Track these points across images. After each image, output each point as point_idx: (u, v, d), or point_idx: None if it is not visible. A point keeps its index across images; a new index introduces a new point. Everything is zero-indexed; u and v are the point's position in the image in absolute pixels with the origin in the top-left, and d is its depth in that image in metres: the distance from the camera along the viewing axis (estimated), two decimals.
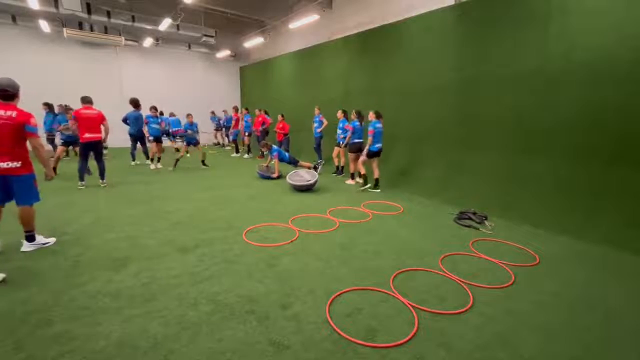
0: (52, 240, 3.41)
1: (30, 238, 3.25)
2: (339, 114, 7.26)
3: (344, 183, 6.98)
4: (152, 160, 8.31)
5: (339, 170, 7.75)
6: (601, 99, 4.24)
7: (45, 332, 2.03)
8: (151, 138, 8.03)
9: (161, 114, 10.30)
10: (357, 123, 6.55)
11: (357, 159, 6.49)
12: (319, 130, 8.49)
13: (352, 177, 6.99)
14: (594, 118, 4.32)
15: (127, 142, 12.84)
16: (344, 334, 2.07)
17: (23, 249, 3.20)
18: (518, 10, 5.08)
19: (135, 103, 8.13)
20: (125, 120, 8.14)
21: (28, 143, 3.10)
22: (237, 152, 11.58)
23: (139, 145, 8.54)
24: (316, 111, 8.50)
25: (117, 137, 12.32)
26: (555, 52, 4.68)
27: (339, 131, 7.27)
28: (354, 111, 6.67)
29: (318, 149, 8.65)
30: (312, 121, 8.60)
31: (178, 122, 10.81)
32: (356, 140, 6.49)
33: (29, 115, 3.07)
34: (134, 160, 8.86)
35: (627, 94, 4.01)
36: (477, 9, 5.69)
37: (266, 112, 10.58)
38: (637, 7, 3.93)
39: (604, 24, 4.18)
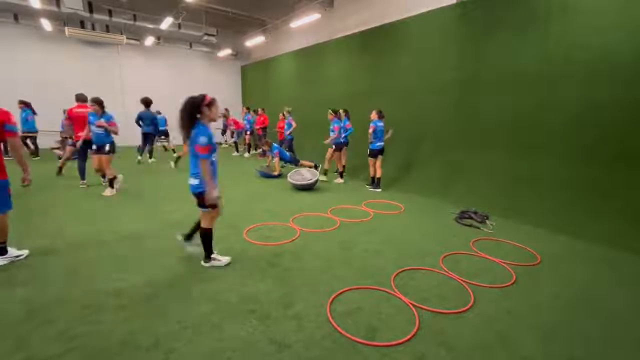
0: (25, 252, 3.07)
1: (2, 251, 2.91)
2: (338, 113, 7.36)
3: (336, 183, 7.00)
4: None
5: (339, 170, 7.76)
6: (602, 98, 4.22)
7: (47, 331, 2.04)
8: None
9: (158, 113, 10.28)
10: (347, 121, 6.98)
11: (337, 157, 6.96)
12: (287, 132, 8.53)
13: (342, 175, 7.13)
14: (595, 118, 4.30)
15: (127, 142, 12.86)
16: (345, 333, 2.07)
17: None
18: (519, 9, 5.07)
19: (146, 102, 8.27)
20: (138, 121, 8.25)
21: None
22: (237, 151, 11.61)
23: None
24: (285, 113, 8.59)
25: (122, 136, 12.38)
26: (556, 51, 4.66)
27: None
28: (341, 110, 7.01)
29: (290, 150, 8.74)
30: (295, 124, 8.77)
31: (164, 121, 10.62)
32: (342, 141, 6.90)
33: (8, 114, 2.77)
34: (141, 155, 8.87)
35: (628, 94, 4.00)
36: (478, 8, 5.67)
37: (255, 111, 10.66)
38: (639, 6, 3.91)
39: (605, 23, 4.17)
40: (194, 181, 2.73)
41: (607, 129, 4.19)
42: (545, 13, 4.75)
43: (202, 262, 3.02)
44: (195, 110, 2.64)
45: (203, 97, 2.67)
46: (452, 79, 6.16)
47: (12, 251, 3.00)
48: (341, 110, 7.32)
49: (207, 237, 2.95)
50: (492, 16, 5.45)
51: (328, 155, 7.16)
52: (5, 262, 2.91)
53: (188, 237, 3.12)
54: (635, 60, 3.94)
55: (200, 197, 2.75)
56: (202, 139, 2.57)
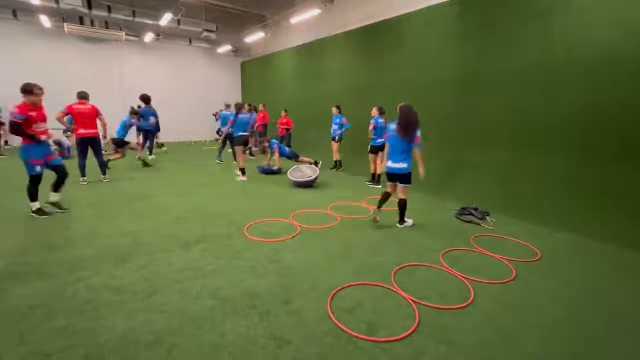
0: None
1: None
2: (334, 110, 7.42)
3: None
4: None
5: (338, 165, 7.79)
6: (602, 96, 4.20)
7: (49, 327, 2.05)
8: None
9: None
10: (342, 117, 7.29)
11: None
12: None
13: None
14: (596, 115, 4.28)
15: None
16: (346, 329, 2.08)
17: None
18: (520, 5, 5.03)
19: (146, 99, 8.30)
20: (140, 118, 8.26)
21: None
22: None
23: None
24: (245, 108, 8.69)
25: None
26: (556, 48, 4.63)
27: (334, 127, 7.33)
28: (334, 108, 7.30)
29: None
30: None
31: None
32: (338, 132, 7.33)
33: None
34: (151, 154, 8.90)
35: (629, 92, 3.97)
36: (478, 4, 5.63)
37: (255, 108, 10.59)
38: (638, 5, 3.88)
39: (607, 20, 4.13)
40: (402, 165, 3.80)
41: (608, 127, 4.16)
42: (546, 10, 4.71)
43: (398, 225, 4.02)
44: (417, 119, 3.79)
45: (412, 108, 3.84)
46: (452, 76, 6.13)
47: None
48: (334, 108, 7.38)
49: (405, 206, 3.97)
50: (492, 13, 5.41)
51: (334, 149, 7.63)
52: None
53: (401, 220, 4.04)
54: (635, 59, 3.91)
55: (406, 177, 3.82)
56: (419, 133, 3.78)
